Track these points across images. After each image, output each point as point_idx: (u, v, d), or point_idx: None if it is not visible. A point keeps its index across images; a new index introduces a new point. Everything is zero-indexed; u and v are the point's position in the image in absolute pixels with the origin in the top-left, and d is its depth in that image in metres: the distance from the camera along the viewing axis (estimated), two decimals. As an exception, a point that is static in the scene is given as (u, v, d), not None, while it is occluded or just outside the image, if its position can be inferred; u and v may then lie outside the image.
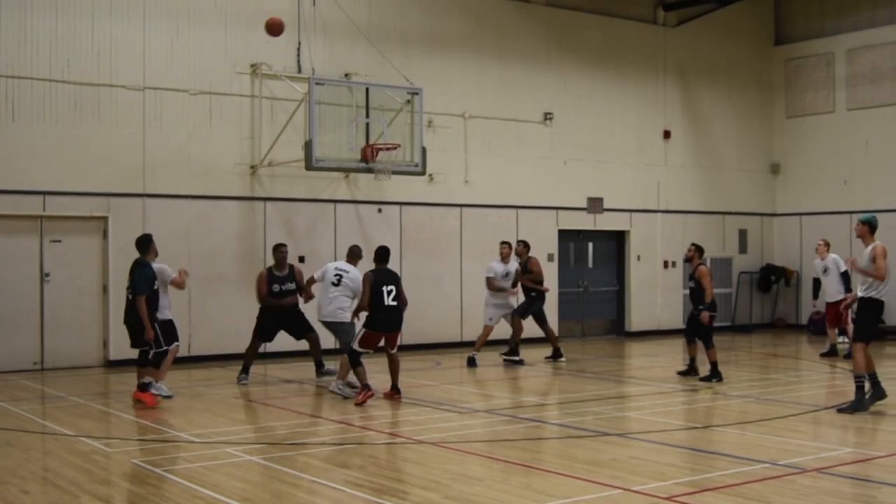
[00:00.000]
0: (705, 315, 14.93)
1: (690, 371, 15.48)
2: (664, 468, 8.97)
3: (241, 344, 17.84)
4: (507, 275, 17.29)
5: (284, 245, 15.57)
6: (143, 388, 12.60)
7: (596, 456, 9.65)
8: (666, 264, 24.12)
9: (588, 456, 9.63)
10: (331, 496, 7.92)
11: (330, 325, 14.43)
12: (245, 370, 15.00)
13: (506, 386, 15.24)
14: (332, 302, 14.26)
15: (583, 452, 9.85)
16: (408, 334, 19.78)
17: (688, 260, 15.59)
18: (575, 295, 22.81)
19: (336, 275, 14.32)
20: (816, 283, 19.88)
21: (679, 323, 24.27)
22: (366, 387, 12.71)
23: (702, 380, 14.97)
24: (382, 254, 13.22)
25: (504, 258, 17.45)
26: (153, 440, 10.42)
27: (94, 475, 8.87)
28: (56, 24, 16.66)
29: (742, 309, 25.49)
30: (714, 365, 14.89)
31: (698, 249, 15.41)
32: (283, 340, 18.45)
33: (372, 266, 13.16)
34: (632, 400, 13.73)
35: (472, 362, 17.15)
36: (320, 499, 7.84)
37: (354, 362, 12.88)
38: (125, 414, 12.22)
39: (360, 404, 12.53)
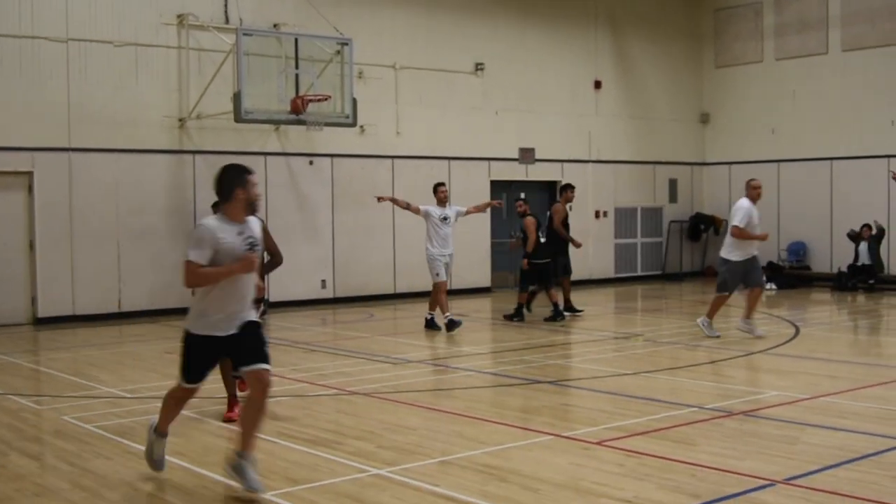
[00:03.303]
0: (525, 262, 16.57)
1: (557, 315, 16.52)
2: (595, 414, 9.11)
3: (172, 299, 17.69)
4: (445, 219, 15.51)
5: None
6: None
7: (527, 403, 9.77)
8: (597, 214, 24.32)
9: (520, 403, 9.74)
10: (264, 448, 7.90)
11: None
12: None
13: (438, 337, 15.29)
14: None
15: (514, 400, 9.96)
16: (341, 287, 19.82)
17: (521, 215, 16.77)
18: (507, 245, 22.87)
19: None
20: None
21: (611, 272, 24.57)
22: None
23: (506, 317, 16.74)
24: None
25: (441, 202, 15.70)
26: (84, 396, 10.31)
27: (24, 433, 8.78)
28: (-27, -27, 16.20)
29: (672, 257, 25.82)
30: (519, 306, 16.75)
31: (525, 202, 16.99)
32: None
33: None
34: (563, 348, 13.89)
35: (451, 325, 15.31)
36: (253, 451, 7.81)
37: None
38: (55, 371, 12.08)
39: (227, 421, 9.02)
